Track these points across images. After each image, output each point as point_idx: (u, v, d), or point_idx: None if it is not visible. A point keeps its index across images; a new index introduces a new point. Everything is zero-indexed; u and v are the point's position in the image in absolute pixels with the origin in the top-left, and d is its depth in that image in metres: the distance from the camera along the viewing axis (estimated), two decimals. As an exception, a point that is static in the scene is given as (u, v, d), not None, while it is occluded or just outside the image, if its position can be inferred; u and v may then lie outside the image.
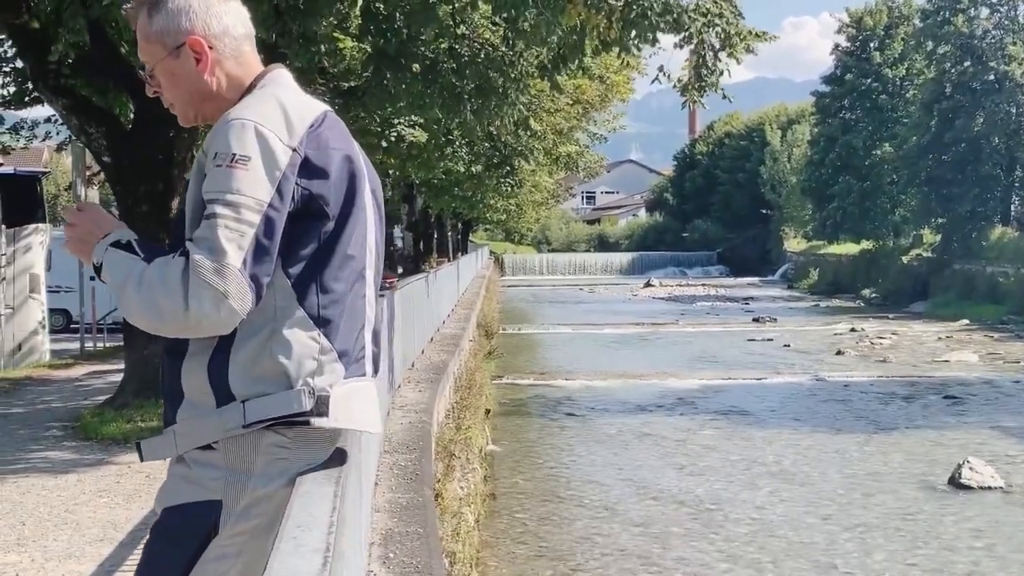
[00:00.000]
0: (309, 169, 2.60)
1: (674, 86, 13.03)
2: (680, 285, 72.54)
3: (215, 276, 2.49)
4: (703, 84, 12.48)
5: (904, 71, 61.60)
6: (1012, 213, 50.87)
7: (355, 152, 2.74)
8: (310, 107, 2.68)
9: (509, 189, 24.76)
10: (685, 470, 17.03)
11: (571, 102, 24.79)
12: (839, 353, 32.55)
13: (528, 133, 20.25)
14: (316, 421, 2.57)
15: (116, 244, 2.61)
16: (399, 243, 37.47)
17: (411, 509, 5.93)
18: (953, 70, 52.21)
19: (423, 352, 14.56)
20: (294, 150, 2.58)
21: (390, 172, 20.55)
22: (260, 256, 2.53)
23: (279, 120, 2.59)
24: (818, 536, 13.28)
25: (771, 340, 36.38)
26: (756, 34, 12.60)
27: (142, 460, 2.76)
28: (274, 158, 2.55)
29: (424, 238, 37.93)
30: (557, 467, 17.50)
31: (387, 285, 10.16)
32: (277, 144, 2.56)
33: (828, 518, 14.11)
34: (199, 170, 2.61)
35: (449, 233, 53.62)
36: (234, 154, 2.52)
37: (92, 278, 21.10)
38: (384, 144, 18.05)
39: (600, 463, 17.63)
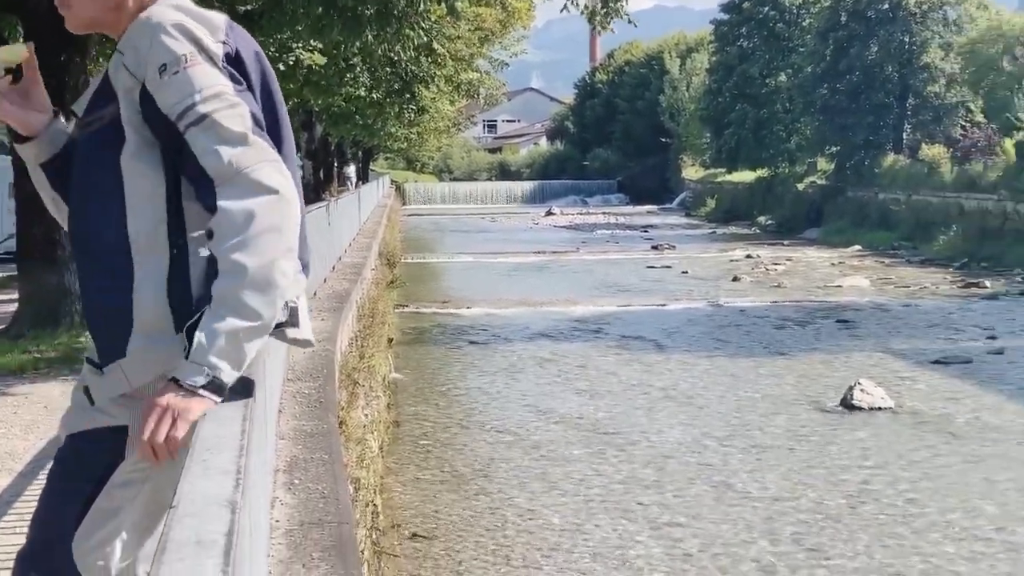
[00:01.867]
0: (237, 62, 2.57)
1: (581, 12, 13.03)
2: (581, 214, 72.93)
3: (254, 153, 2.41)
4: (609, 10, 12.48)
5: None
6: (904, 141, 51.89)
7: (260, 50, 2.72)
8: (213, 12, 2.64)
9: (412, 116, 24.57)
10: (586, 395, 17.28)
11: (472, 28, 24.59)
12: (735, 279, 33.13)
13: (430, 60, 20.07)
14: (291, 332, 2.52)
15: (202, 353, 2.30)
16: (298, 171, 37.02)
17: (316, 436, 5.95)
18: (848, -1, 52.84)
19: (325, 281, 14.48)
20: (223, 43, 2.54)
21: (288, 99, 20.23)
22: (259, 130, 2.50)
23: (200, 19, 2.54)
24: (714, 457, 13.61)
25: (669, 267, 36.87)
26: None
27: (92, 404, 2.60)
28: (213, 52, 2.50)
29: (324, 167, 37.50)
30: (460, 394, 17.63)
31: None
32: (210, 40, 2.51)
33: (724, 440, 14.45)
34: (127, 92, 2.51)
35: (350, 161, 53.07)
36: (182, 56, 2.45)
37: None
38: (282, 68, 17.75)
39: (502, 389, 17.79)
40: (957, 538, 10.63)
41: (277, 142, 2.59)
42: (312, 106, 23.28)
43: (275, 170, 2.43)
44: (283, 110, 2.75)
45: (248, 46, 2.64)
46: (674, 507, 11.67)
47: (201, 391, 2.26)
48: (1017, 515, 11.29)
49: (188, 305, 2.47)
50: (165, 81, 2.45)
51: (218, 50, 2.51)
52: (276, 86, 2.72)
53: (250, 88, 2.57)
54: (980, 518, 11.21)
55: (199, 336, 2.31)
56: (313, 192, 33.54)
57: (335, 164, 41.07)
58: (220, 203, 2.37)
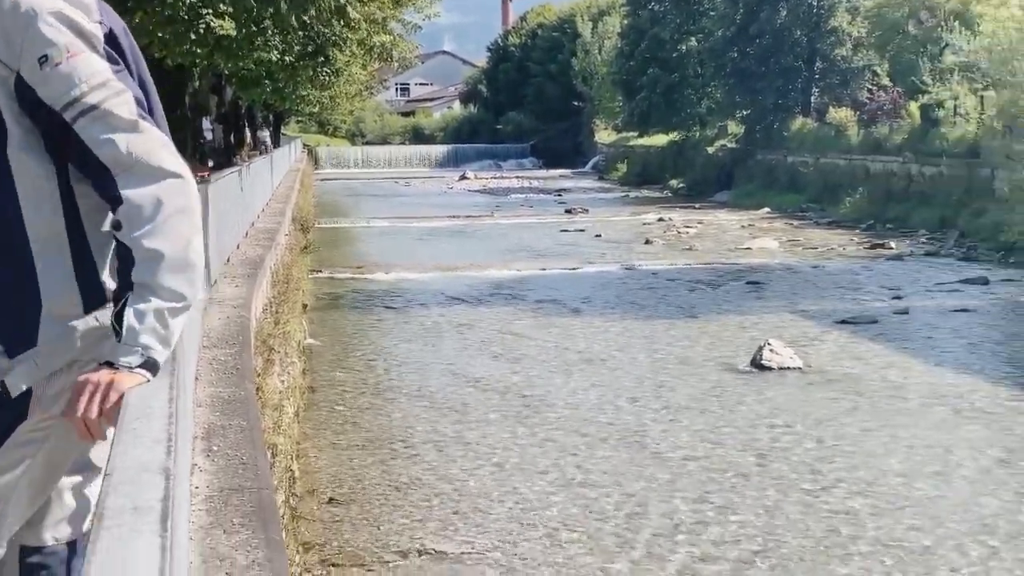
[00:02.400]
0: (112, 40, 2.58)
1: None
2: (495, 178, 72.95)
3: (147, 139, 2.45)
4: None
5: (711, -37, 62.52)
6: (812, 104, 52.65)
7: (124, 24, 2.74)
8: None
9: (327, 79, 24.32)
10: (501, 358, 17.39)
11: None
12: (648, 242, 33.46)
13: (342, 23, 19.87)
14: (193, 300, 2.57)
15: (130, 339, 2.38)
16: (208, 135, 36.44)
17: (233, 403, 5.94)
18: (758, -38, 53.23)
19: (238, 247, 14.36)
20: (100, 23, 2.54)
21: (197, 62, 19.91)
22: (144, 113, 2.53)
23: (73, 1, 2.53)
24: (628, 418, 13.82)
25: (583, 230, 37.11)
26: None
27: (12, 397, 2.57)
28: (93, 35, 2.51)
29: (235, 131, 36.99)
30: (375, 359, 17.63)
31: (201, 179, 9.94)
32: (87, 22, 2.51)
33: (638, 400, 14.66)
34: (2, 82, 2.49)
35: (263, 125, 52.39)
36: (63, 46, 2.44)
37: None
38: (193, 37, 17.47)
39: (418, 354, 17.83)
40: (863, 493, 10.94)
41: (149, 112, 2.64)
42: (222, 69, 22.94)
43: (170, 152, 2.49)
44: (149, 80, 2.80)
45: (116, 21, 2.66)
46: (589, 468, 11.84)
47: (137, 370, 2.33)
48: (921, 471, 11.65)
49: (97, 291, 2.51)
50: (47, 73, 2.44)
51: (97, 31, 2.52)
52: (141, 57, 2.76)
53: (127, 66, 2.60)
54: (885, 474, 11.55)
55: (128, 320, 2.38)
56: (224, 156, 33.11)
57: (247, 128, 40.53)
58: (125, 192, 2.41)
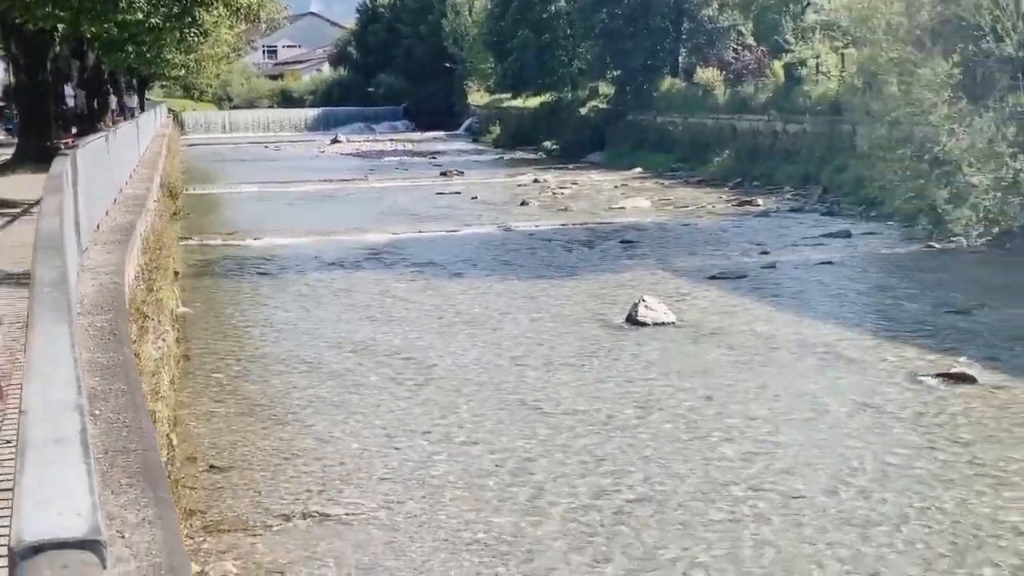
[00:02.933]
0: None
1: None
2: (368, 141, 72.34)
3: None
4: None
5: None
6: (680, 65, 53.31)
7: None
8: None
9: (194, 41, 23.79)
10: (381, 322, 17.39)
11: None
12: (524, 204, 33.67)
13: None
14: None
15: None
16: (71, 102, 35.40)
17: (112, 368, 5.88)
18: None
19: (108, 214, 14.06)
20: None
21: (59, 27, 19.32)
22: None
23: None
24: (509, 376, 13.97)
25: (459, 193, 37.16)
26: None
27: None
28: None
29: (99, 96, 36.01)
30: (252, 326, 17.47)
31: (65, 145, 9.74)
32: None
33: (518, 359, 14.83)
34: None
35: (130, 90, 51.05)
36: None
37: None
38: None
39: (295, 320, 17.71)
40: (736, 441, 11.29)
41: None
42: (84, 32, 22.29)
43: None
44: None
45: None
46: (471, 426, 11.97)
47: None
48: (791, 417, 12.05)
49: None
50: None
51: None
52: None
53: None
54: (757, 421, 11.92)
55: None
56: (88, 123, 32.26)
57: (111, 93, 39.47)
58: None
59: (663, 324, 16.43)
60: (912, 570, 8.27)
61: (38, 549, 1.26)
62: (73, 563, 1.25)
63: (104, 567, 1.30)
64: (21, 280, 9.21)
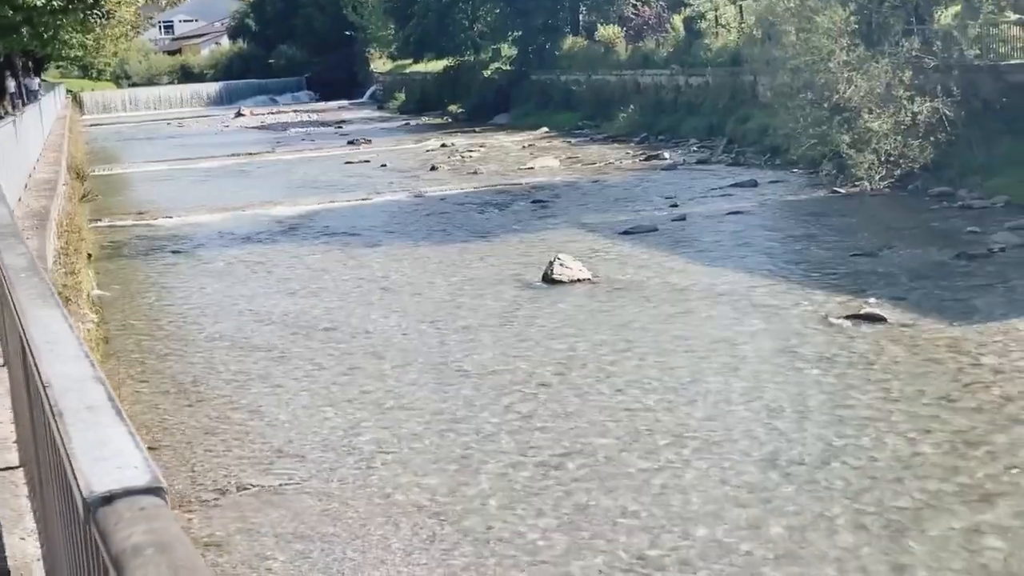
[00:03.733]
0: None
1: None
2: (272, 113, 71.60)
3: None
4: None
5: None
6: (580, 23, 53.52)
7: None
8: None
9: (96, 22, 23.37)
10: (299, 294, 17.43)
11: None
12: (433, 169, 33.74)
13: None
14: None
15: None
16: None
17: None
18: None
19: (20, 200, 13.92)
20: None
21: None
22: None
23: None
24: (431, 340, 14.16)
25: (368, 161, 37.08)
26: None
27: None
28: None
29: (-4, 80, 35.23)
30: (170, 305, 17.40)
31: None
32: None
33: (438, 323, 15.01)
34: None
35: (31, 73, 49.88)
36: None
37: None
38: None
39: (213, 296, 17.68)
40: (656, 391, 11.62)
41: None
42: (-24, 17, 21.81)
43: None
44: None
45: None
46: (397, 391, 12.15)
47: None
48: (708, 365, 12.42)
49: None
50: None
51: None
52: None
53: None
54: (676, 371, 12.27)
55: None
56: (-16, 108, 31.55)
57: (10, 76, 38.59)
58: None
59: (579, 281, 16.71)
60: (835, 507, 8.65)
61: (109, 499, 1.44)
62: (148, 505, 1.43)
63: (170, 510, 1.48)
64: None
